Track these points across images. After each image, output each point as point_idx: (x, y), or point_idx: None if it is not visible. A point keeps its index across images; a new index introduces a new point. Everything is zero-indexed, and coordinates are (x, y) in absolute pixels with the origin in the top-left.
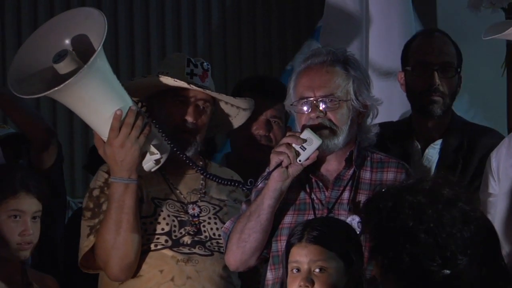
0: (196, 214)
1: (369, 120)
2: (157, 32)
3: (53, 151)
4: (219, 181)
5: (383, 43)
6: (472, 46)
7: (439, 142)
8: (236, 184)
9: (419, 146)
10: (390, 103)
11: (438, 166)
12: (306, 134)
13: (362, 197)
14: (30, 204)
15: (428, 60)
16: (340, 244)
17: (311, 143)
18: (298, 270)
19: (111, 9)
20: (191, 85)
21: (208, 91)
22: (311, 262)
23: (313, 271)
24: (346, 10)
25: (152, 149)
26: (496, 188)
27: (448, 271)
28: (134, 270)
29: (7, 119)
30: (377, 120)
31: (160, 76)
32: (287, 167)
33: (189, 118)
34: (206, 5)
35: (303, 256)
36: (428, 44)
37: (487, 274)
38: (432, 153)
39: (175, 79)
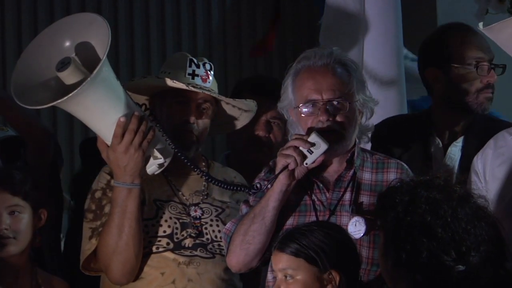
0: (198, 216)
1: (363, 119)
2: (157, 32)
3: (49, 153)
4: (223, 186)
5: (379, 44)
6: None
7: (461, 139)
8: (242, 189)
9: (441, 144)
10: (386, 103)
11: (461, 166)
12: (314, 137)
13: (363, 198)
14: (1, 199)
15: (480, 56)
16: (308, 251)
17: (319, 147)
18: (275, 277)
19: (111, 9)
20: (190, 87)
21: (207, 92)
22: (282, 270)
23: (283, 278)
24: (346, 9)
25: (156, 153)
26: (483, 190)
27: (462, 267)
28: (136, 274)
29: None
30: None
31: (158, 77)
32: (293, 170)
33: (190, 119)
34: (206, 5)
35: (275, 264)
36: (473, 40)
37: (506, 274)
38: (455, 151)
39: (174, 81)
